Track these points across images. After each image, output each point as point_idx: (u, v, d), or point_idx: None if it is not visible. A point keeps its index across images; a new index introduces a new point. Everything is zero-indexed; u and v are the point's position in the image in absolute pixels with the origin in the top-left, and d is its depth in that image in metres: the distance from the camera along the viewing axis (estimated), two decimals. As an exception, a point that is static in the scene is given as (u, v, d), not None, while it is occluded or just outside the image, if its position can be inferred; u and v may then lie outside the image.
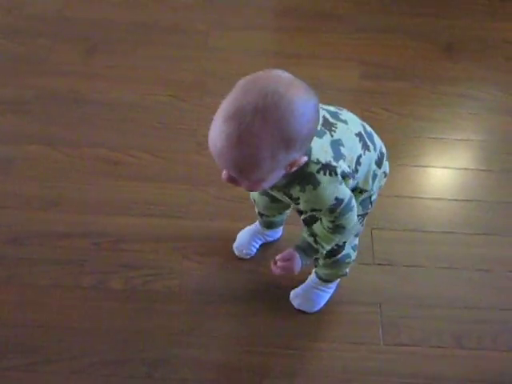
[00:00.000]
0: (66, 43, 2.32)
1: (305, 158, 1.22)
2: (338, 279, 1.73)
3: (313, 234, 1.44)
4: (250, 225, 1.84)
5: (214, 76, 2.25)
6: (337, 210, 1.33)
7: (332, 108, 1.37)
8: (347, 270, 1.66)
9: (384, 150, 1.46)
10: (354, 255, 1.62)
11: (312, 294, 1.74)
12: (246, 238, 1.83)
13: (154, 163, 2.00)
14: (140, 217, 1.88)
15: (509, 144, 2.12)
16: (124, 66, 2.27)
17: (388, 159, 1.48)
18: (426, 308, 1.74)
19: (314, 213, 1.37)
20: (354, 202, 1.36)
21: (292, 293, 1.75)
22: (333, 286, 1.74)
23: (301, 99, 1.13)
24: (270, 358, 1.65)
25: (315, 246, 1.44)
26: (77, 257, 1.79)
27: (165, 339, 1.66)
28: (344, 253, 1.57)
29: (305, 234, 1.46)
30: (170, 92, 2.19)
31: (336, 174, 1.27)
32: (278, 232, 1.85)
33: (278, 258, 1.47)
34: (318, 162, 1.26)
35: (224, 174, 1.22)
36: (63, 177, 1.96)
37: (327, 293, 1.75)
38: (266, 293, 1.75)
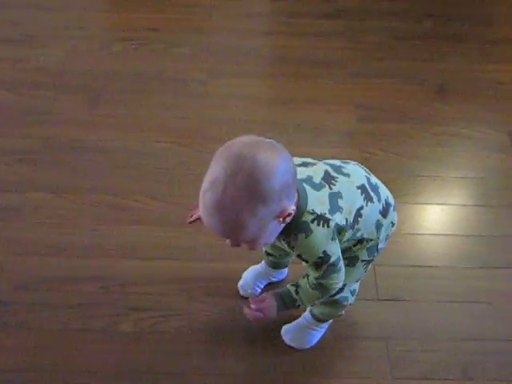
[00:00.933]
0: (69, 94, 2.37)
1: (293, 207, 1.27)
2: (332, 319, 1.75)
3: (296, 285, 1.49)
4: (255, 264, 1.87)
5: (213, 122, 2.30)
6: (323, 266, 1.38)
7: (337, 162, 1.45)
8: (343, 312, 1.69)
9: (391, 200, 1.51)
10: (351, 299, 1.64)
11: (304, 332, 1.75)
12: (251, 278, 1.86)
13: (159, 207, 2.04)
14: (146, 260, 1.91)
15: (504, 180, 2.17)
16: (126, 114, 2.32)
17: (396, 210, 1.53)
18: (431, 341, 1.77)
19: (303, 261, 1.42)
20: (342, 264, 1.41)
21: (284, 328, 1.77)
22: (325, 325, 1.76)
23: (266, 156, 1.21)
24: (281, 395, 1.68)
25: (295, 296, 1.48)
26: (86, 301, 1.81)
27: (176, 380, 1.68)
28: (343, 295, 1.59)
29: (288, 285, 1.51)
30: (171, 139, 2.24)
31: (329, 226, 1.34)
32: (283, 273, 1.87)
33: (252, 299, 1.52)
34: (313, 212, 1.33)
35: (228, 241, 1.32)
36: (69, 223, 1.99)
37: (319, 332, 1.76)
38: (274, 331, 1.77)
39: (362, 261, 1.53)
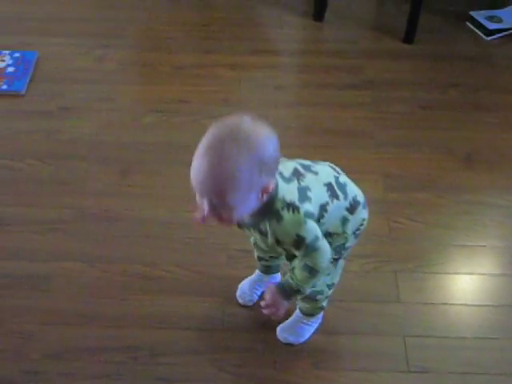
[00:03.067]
0: (101, 165, 2.43)
1: (274, 183, 1.39)
2: (320, 314, 1.87)
3: (292, 268, 1.57)
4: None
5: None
6: (301, 247, 1.47)
7: (307, 162, 1.57)
8: (324, 304, 1.82)
9: (360, 198, 1.63)
10: (328, 292, 1.76)
11: (297, 326, 1.89)
12: (248, 287, 1.99)
13: (188, 277, 2.06)
14: (175, 330, 1.92)
15: (533, 249, 2.16)
16: (156, 185, 2.36)
17: (366, 207, 1.65)
18: (463, 415, 1.74)
19: (282, 245, 1.50)
20: (320, 243, 1.48)
21: (278, 328, 1.89)
22: (316, 320, 1.89)
23: (266, 129, 1.35)
24: None
25: (290, 280, 1.56)
26: (114, 371, 1.82)
27: None
28: (316, 289, 1.70)
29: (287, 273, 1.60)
30: (200, 208, 2.27)
31: (299, 213, 1.43)
32: (276, 278, 1.99)
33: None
34: (284, 200, 1.43)
35: (205, 209, 1.38)
36: (99, 292, 2.02)
37: (311, 327, 1.89)
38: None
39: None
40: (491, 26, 3.13)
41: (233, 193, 1.32)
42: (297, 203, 1.43)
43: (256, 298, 1.98)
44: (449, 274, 2.08)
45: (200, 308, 1.97)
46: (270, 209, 1.43)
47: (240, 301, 1.98)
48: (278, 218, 1.43)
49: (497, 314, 1.98)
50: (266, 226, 1.47)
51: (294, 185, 1.47)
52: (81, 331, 1.91)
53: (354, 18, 3.25)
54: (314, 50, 3.05)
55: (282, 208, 1.42)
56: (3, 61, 2.89)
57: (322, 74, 2.88)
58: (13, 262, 2.10)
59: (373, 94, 2.77)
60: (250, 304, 1.98)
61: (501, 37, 3.12)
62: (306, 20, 3.23)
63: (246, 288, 1.99)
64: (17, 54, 2.93)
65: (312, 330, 1.90)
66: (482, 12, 3.23)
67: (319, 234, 1.48)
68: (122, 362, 1.84)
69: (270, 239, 1.49)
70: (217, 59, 2.96)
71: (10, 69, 2.85)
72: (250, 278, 2.01)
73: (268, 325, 1.92)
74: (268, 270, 1.96)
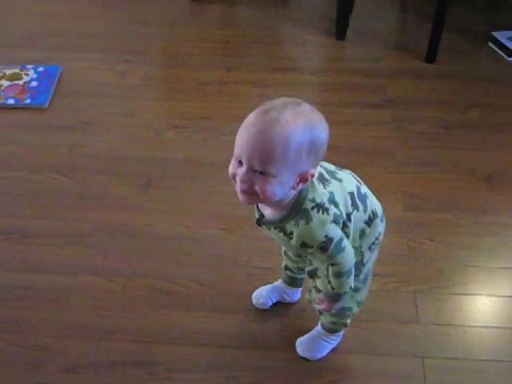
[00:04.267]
0: (122, 179, 2.45)
1: (312, 171, 1.34)
2: (341, 332, 1.86)
3: (318, 290, 1.64)
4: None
5: (261, 209, 2.33)
6: (328, 249, 1.43)
7: (332, 167, 1.53)
8: (348, 321, 1.80)
9: (378, 211, 1.58)
10: (355, 309, 1.73)
11: (316, 342, 1.87)
12: (266, 290, 2.00)
13: (206, 293, 2.05)
14: (193, 346, 1.91)
15: (555, 271, 2.13)
16: (177, 200, 2.37)
17: (384, 220, 1.61)
18: None
19: (306, 249, 1.45)
20: (345, 243, 1.45)
21: (298, 340, 1.89)
22: (336, 338, 1.87)
23: (323, 118, 1.34)
24: None
25: (329, 289, 1.56)
26: (131, 386, 1.82)
27: None
28: (346, 306, 1.68)
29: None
30: (220, 225, 2.27)
31: (328, 214, 1.40)
32: (296, 294, 2.00)
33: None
34: (314, 200, 1.39)
35: (242, 170, 1.31)
36: (118, 307, 2.02)
37: (330, 344, 1.88)
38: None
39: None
40: (514, 46, 3.13)
41: (278, 161, 1.27)
42: (326, 205, 1.40)
43: (270, 303, 1.98)
44: (469, 295, 2.06)
45: (218, 325, 1.97)
46: (298, 208, 1.39)
47: (253, 301, 1.99)
48: (308, 218, 1.39)
49: (517, 337, 1.96)
50: (292, 226, 1.41)
51: (322, 188, 1.43)
52: (98, 345, 1.91)
53: (375, 37, 3.27)
54: (335, 69, 3.05)
55: (312, 208, 1.39)
56: (27, 75, 2.93)
57: (343, 92, 2.89)
58: (32, 275, 2.11)
59: (394, 113, 2.77)
60: (263, 308, 1.98)
61: (523, 58, 3.11)
62: (327, 38, 3.25)
63: (262, 291, 2.00)
64: (41, 69, 2.97)
65: (330, 347, 1.88)
66: (505, 32, 3.22)
67: (341, 233, 1.45)
68: (138, 377, 1.84)
69: (296, 241, 1.43)
70: (239, 76, 2.98)
71: (34, 83, 2.89)
72: (272, 283, 2.00)
73: (285, 343, 1.92)
74: (291, 282, 1.95)
